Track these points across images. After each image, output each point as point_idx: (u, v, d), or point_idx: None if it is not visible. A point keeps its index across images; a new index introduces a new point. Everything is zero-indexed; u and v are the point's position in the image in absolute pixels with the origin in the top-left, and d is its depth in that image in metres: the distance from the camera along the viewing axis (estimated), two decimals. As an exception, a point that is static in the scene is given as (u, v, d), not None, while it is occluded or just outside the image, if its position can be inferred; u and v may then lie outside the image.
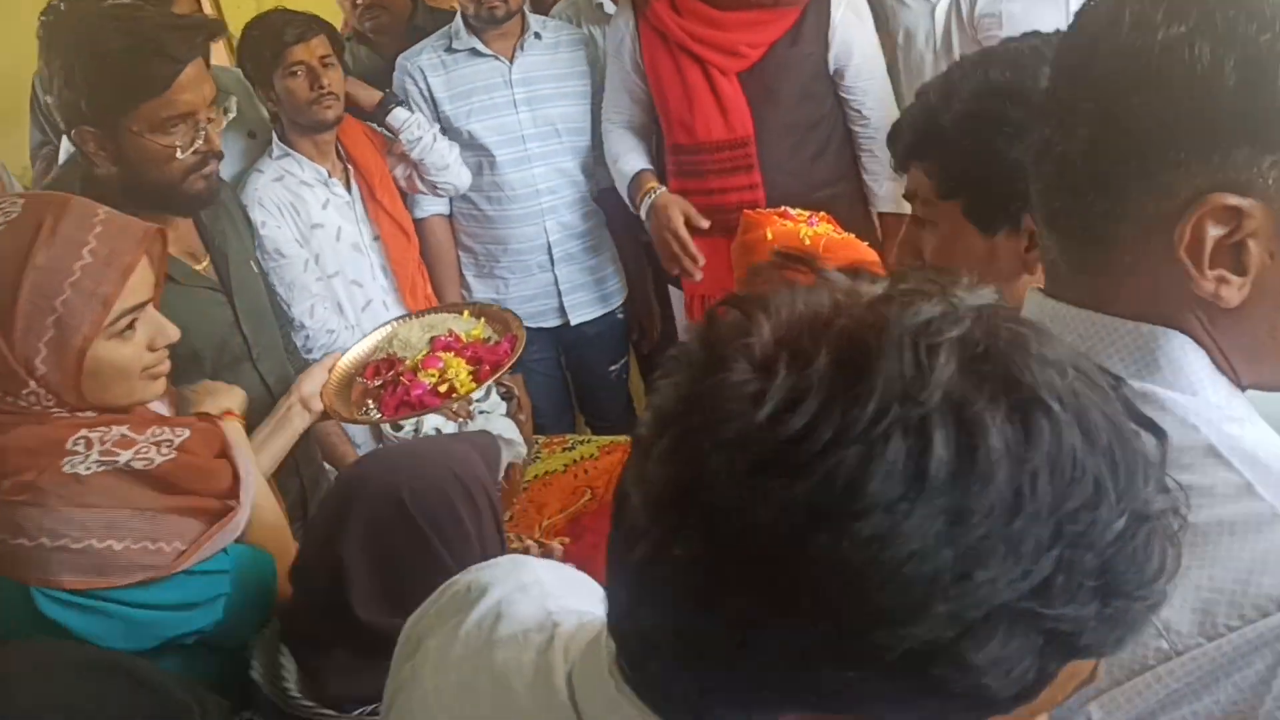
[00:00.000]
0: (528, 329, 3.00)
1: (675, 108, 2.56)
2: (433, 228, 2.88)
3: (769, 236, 1.84)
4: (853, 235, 1.91)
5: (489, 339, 2.00)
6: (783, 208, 2.06)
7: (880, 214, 2.67)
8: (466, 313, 2.10)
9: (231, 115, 1.77)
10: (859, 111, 2.59)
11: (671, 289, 2.91)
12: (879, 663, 0.46)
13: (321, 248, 2.50)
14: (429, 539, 1.29)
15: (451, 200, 2.89)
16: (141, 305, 1.24)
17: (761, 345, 0.48)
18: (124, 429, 1.26)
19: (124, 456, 1.24)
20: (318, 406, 1.81)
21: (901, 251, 1.28)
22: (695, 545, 0.47)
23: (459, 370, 1.88)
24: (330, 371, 1.89)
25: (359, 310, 2.59)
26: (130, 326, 1.24)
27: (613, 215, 2.95)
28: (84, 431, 1.22)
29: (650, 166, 2.72)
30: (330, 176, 2.52)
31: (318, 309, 2.46)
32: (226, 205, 2.04)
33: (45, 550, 1.17)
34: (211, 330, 1.84)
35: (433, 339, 1.96)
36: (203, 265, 1.84)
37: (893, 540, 0.44)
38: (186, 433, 1.33)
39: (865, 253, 1.86)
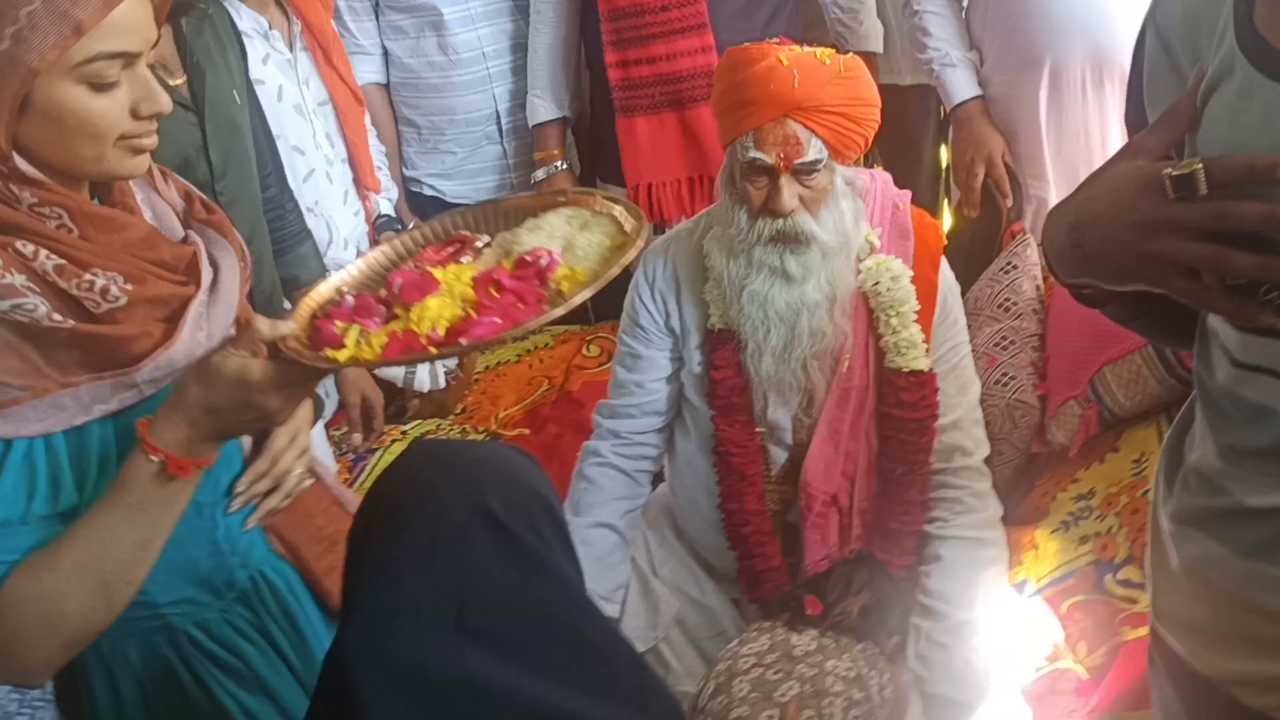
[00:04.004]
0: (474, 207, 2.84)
1: None
2: (369, 97, 2.68)
3: (784, 61, 1.70)
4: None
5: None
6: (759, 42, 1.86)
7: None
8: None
9: None
10: None
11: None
12: None
13: (263, 106, 2.27)
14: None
15: (389, 69, 2.69)
16: (127, 55, 1.02)
17: None
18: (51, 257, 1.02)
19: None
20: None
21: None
22: None
23: (438, 312, 1.09)
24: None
25: (300, 180, 2.37)
26: (112, 78, 1.01)
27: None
28: None
29: (562, 115, 2.63)
30: (271, 29, 2.30)
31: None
32: (214, 20, 1.84)
33: None
34: (174, 149, 1.65)
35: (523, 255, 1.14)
36: (177, 81, 1.64)
37: None
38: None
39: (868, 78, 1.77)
